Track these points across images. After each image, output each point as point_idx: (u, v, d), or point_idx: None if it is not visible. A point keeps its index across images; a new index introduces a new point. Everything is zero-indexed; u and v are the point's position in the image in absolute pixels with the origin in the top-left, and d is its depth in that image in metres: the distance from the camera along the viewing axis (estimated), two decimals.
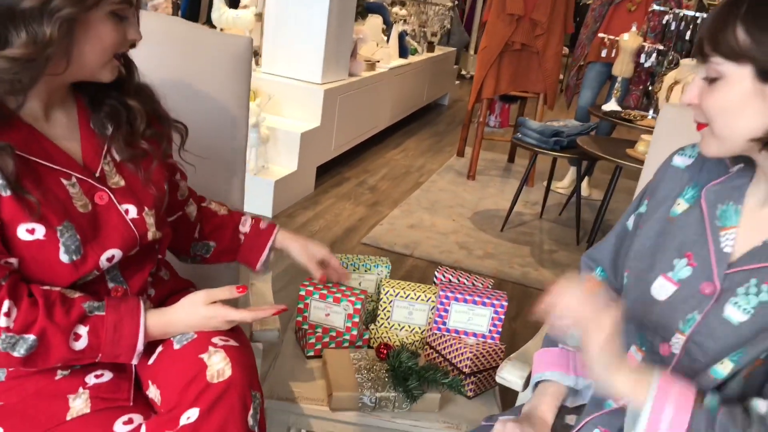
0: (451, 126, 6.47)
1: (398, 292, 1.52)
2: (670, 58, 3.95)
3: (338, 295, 1.45)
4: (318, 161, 4.04)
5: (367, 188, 4.25)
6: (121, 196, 1.09)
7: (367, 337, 1.53)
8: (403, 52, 5.75)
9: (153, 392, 1.07)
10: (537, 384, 1.13)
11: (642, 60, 3.88)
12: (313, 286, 1.47)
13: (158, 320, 1.07)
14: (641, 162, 3.05)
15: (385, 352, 1.42)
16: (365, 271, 1.63)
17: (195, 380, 1.00)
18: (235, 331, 1.14)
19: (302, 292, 1.48)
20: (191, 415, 0.97)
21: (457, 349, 1.44)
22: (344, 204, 3.90)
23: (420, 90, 6.23)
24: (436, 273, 1.65)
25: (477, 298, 1.44)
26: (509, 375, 1.22)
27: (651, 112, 3.90)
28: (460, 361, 1.42)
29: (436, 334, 1.49)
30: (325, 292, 1.46)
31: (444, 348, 1.47)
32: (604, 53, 4.06)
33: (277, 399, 1.34)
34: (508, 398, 1.47)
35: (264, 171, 3.60)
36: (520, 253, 3.51)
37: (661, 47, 3.89)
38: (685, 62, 3.38)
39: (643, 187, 1.13)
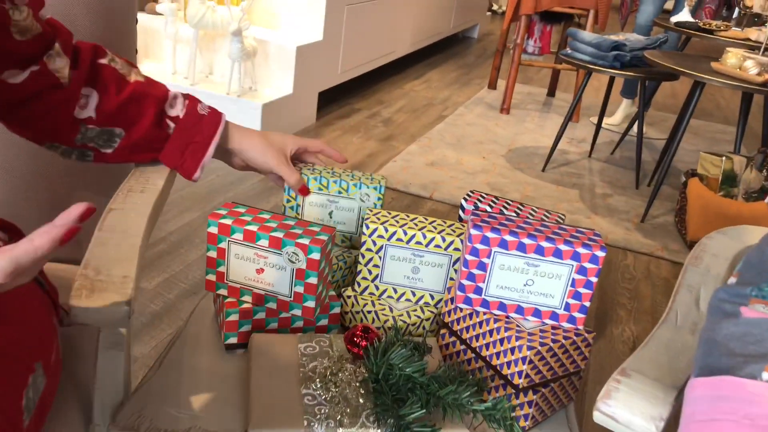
0: (481, 59, 5.69)
1: (394, 232, 0.84)
2: None
3: (278, 234, 0.77)
4: (320, 86, 3.35)
5: (380, 120, 3.56)
6: None
7: (337, 311, 0.86)
8: None
9: None
10: None
11: None
12: (233, 217, 0.79)
13: None
14: (731, 78, 2.33)
15: (363, 344, 0.74)
16: (339, 191, 0.95)
17: None
18: None
19: (212, 228, 0.79)
20: None
21: (503, 341, 0.75)
22: (351, 137, 3.22)
23: (446, 14, 5.41)
24: (463, 202, 0.95)
25: (545, 243, 0.74)
26: (627, 412, 0.54)
27: (733, 23, 3.13)
28: (509, 362, 0.74)
29: (462, 309, 0.81)
30: (254, 227, 0.77)
31: (478, 337, 0.79)
32: None
33: None
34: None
35: (251, 93, 2.95)
36: (566, 197, 2.83)
37: None
38: None
39: None
